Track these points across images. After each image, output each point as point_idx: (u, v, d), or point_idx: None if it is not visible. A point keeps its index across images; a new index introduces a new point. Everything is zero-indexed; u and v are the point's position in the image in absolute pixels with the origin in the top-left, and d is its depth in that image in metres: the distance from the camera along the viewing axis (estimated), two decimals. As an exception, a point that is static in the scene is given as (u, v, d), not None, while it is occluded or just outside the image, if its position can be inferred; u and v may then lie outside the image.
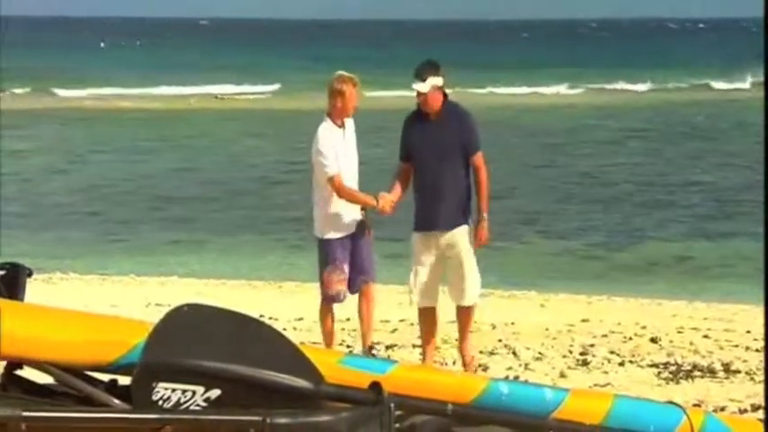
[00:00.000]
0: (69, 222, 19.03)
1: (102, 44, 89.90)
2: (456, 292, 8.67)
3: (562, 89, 50.89)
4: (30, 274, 3.62)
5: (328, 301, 8.77)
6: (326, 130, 8.70)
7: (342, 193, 8.64)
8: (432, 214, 8.52)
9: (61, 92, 47.47)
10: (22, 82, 47.75)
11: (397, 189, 8.63)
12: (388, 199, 8.60)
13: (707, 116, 37.38)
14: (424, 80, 8.45)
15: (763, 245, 4.30)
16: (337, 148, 8.66)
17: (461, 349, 8.69)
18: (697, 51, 78.11)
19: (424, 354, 8.80)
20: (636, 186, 23.18)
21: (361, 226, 8.80)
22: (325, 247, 8.76)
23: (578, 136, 32.15)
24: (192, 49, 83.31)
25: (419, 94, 8.49)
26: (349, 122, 8.87)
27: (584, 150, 29.01)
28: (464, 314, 8.70)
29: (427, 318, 8.73)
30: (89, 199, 21.38)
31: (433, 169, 8.51)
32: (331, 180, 8.60)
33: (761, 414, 7.02)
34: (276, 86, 50.48)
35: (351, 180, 8.75)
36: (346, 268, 8.75)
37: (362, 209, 8.78)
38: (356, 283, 8.83)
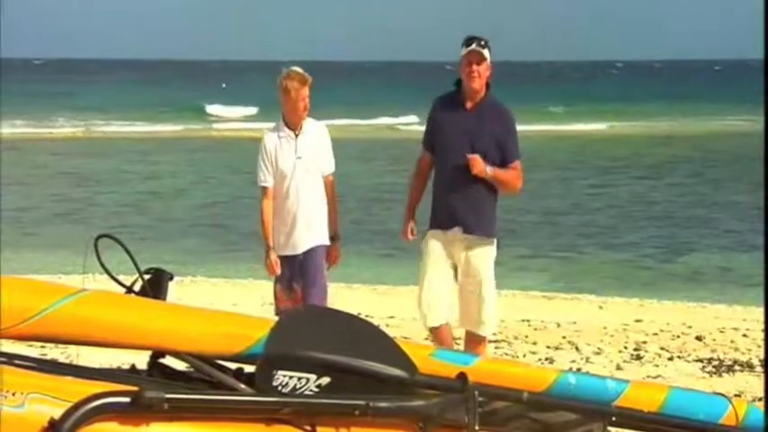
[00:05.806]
0: (197, 234, 19.22)
1: (223, 85, 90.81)
2: (469, 318, 6.57)
3: (618, 123, 50.12)
4: (171, 278, 3.67)
5: None
6: (269, 135, 6.87)
7: (261, 207, 6.91)
8: (453, 211, 6.47)
9: (189, 124, 48.20)
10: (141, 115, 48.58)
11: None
12: (272, 263, 6.77)
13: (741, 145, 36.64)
14: (483, 47, 6.36)
15: (764, 245, 4.20)
16: (277, 157, 6.77)
17: None
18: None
19: None
20: (682, 205, 22.84)
21: (315, 250, 6.84)
22: None
23: (632, 161, 31.80)
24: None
25: (476, 58, 6.36)
26: (312, 127, 6.84)
27: (638, 173, 28.66)
28: (475, 346, 6.49)
29: (440, 338, 6.52)
30: (213, 214, 21.60)
31: (462, 165, 6.40)
32: (260, 191, 6.92)
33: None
34: (385, 119, 48.70)
35: (301, 193, 6.81)
36: (296, 285, 6.85)
37: (332, 238, 6.98)
38: None
